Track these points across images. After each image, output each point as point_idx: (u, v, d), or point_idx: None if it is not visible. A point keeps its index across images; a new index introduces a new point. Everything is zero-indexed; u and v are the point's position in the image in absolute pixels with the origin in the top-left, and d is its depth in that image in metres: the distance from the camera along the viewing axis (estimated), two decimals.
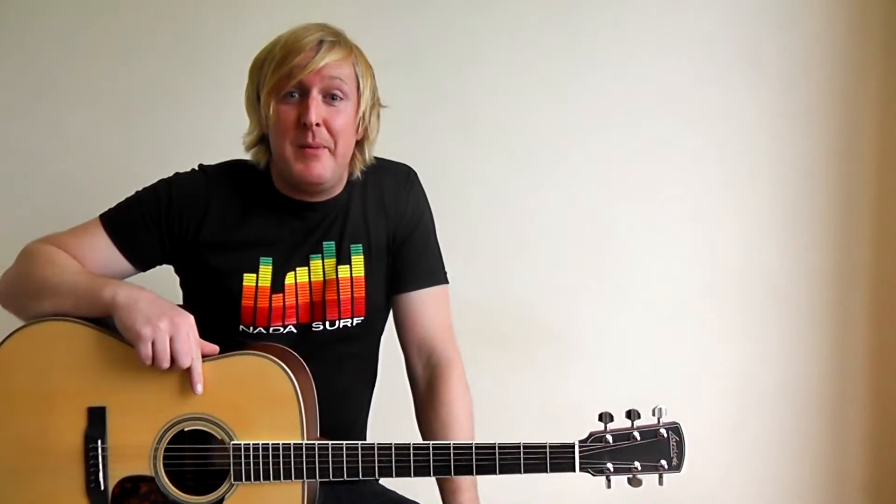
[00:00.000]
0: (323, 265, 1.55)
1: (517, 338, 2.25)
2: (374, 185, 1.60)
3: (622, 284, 2.28)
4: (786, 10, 2.22)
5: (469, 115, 2.24)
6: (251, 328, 1.54)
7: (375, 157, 1.61)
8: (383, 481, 1.65)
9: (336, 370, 1.55)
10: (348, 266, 1.56)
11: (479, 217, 2.26)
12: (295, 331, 1.55)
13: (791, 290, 2.29)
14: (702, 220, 2.28)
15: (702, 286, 2.29)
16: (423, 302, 1.63)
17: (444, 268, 1.68)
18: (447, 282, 1.67)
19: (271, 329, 1.54)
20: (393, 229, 1.61)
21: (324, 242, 1.56)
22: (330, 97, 1.47)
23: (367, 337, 1.62)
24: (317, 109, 1.45)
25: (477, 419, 1.61)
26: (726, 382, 2.31)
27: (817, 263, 2.28)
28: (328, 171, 1.48)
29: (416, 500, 1.61)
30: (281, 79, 1.44)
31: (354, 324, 1.57)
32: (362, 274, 1.57)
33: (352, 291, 1.56)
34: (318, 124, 1.45)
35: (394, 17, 2.20)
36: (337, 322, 1.56)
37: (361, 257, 1.57)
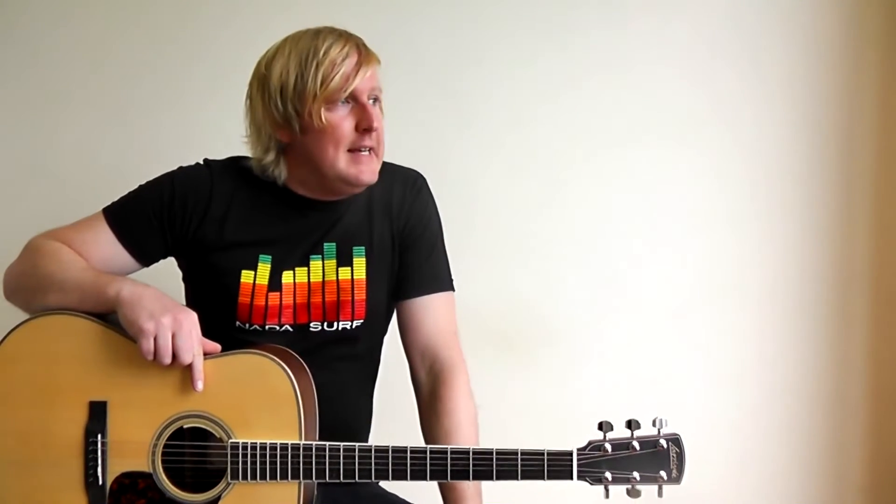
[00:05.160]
0: (323, 266, 1.55)
1: (519, 339, 2.24)
2: (381, 188, 1.60)
3: (624, 286, 2.27)
4: (786, 10, 2.22)
5: (470, 116, 2.24)
6: (247, 325, 1.54)
7: (385, 162, 1.61)
8: (383, 484, 1.64)
9: (333, 370, 1.54)
10: (349, 268, 1.56)
11: (480, 218, 2.25)
12: (291, 330, 1.55)
13: (791, 292, 2.27)
14: (702, 221, 2.27)
15: (703, 287, 2.28)
16: (426, 308, 1.62)
17: (450, 275, 1.66)
18: (453, 289, 1.66)
19: (267, 327, 1.54)
20: (398, 233, 1.61)
21: (324, 243, 1.56)
22: (373, 101, 1.50)
23: (367, 340, 1.61)
24: (377, 114, 1.50)
25: (478, 420, 1.59)
26: (727, 383, 2.29)
27: (817, 264, 2.26)
28: (377, 171, 1.52)
29: (414, 503, 1.60)
30: (336, 88, 1.45)
31: (354, 326, 1.57)
32: (364, 276, 1.56)
33: (352, 294, 1.56)
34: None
35: (395, 17, 2.21)
36: (336, 324, 1.56)
37: (363, 260, 1.57)
